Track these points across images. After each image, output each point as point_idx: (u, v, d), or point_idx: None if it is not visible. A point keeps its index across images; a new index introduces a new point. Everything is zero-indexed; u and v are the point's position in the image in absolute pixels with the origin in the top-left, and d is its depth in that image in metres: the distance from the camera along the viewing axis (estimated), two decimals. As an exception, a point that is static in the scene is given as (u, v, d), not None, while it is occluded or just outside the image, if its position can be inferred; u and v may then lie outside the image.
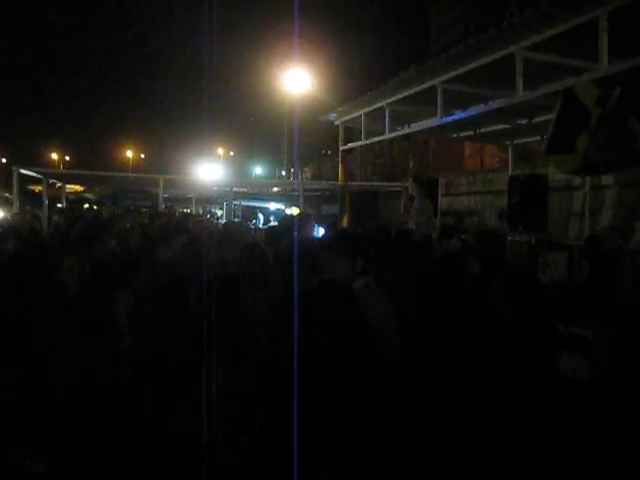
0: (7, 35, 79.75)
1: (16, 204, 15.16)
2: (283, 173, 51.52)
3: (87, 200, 35.29)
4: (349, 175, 28.07)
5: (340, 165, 14.15)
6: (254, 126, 62.39)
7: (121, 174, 23.61)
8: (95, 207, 31.53)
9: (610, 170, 9.15)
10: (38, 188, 20.83)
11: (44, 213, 15.63)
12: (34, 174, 17.78)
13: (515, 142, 14.08)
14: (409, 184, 14.43)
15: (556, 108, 7.38)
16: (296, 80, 23.07)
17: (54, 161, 71.15)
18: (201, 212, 32.39)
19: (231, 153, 73.13)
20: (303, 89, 23.69)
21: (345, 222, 13.14)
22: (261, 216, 26.02)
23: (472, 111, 9.36)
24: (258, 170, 66.85)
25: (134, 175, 25.29)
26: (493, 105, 8.91)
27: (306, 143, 34.48)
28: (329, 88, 25.82)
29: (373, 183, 23.94)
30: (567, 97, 7.21)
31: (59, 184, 21.87)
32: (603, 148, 6.69)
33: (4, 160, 56.86)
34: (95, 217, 11.71)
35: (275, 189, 26.22)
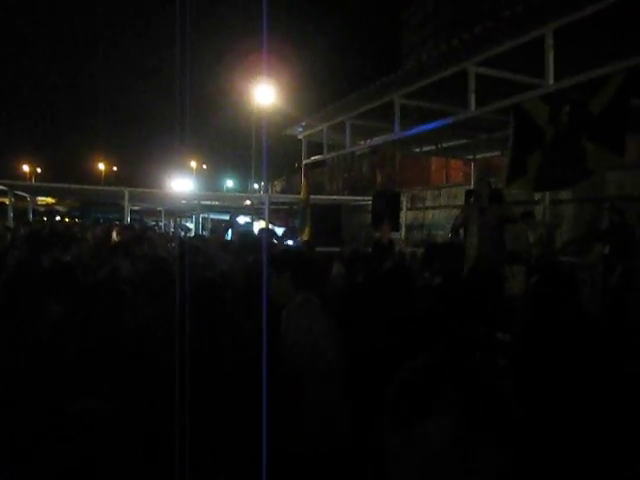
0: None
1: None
2: (255, 186, 51.57)
3: (57, 212, 34.99)
4: (320, 189, 28.26)
5: (303, 179, 14.17)
6: (226, 139, 62.42)
7: (86, 186, 23.44)
8: (67, 219, 31.38)
9: (562, 187, 9.30)
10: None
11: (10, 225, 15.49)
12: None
13: (477, 157, 14.26)
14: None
15: (510, 127, 7.51)
16: (264, 94, 23.17)
17: (25, 173, 70.37)
18: (172, 225, 32.36)
19: (204, 166, 73.02)
20: (271, 103, 23.78)
21: (305, 236, 13.16)
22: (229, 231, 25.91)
23: (428, 125, 9.46)
24: (230, 183, 66.86)
25: (99, 187, 25.17)
26: (448, 120, 9.00)
27: (276, 156, 34.53)
28: (298, 102, 25.92)
29: (335, 197, 23.96)
30: (518, 114, 7.34)
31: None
32: (556, 165, 6.81)
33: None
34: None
35: (247, 202, 26.22)
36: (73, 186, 21.43)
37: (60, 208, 36.27)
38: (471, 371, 1.28)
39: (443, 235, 16.04)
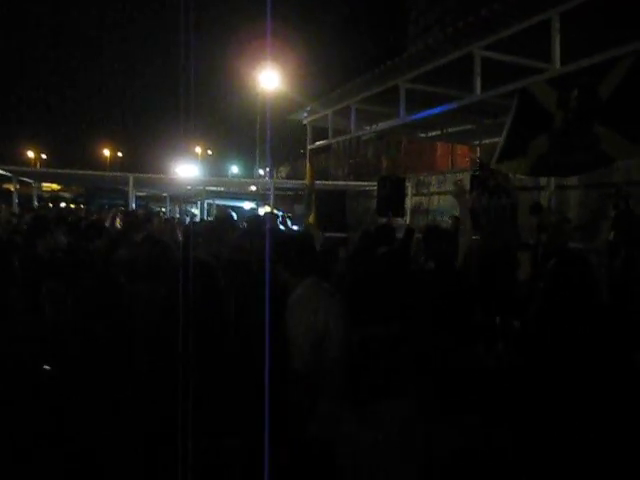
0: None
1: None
2: (261, 172, 51.41)
3: (63, 199, 35.01)
4: (325, 175, 28.20)
5: (308, 164, 14.12)
6: (231, 125, 62.30)
7: (90, 172, 23.38)
8: (72, 206, 31.37)
9: (576, 172, 9.22)
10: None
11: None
12: (2, 172, 17.62)
13: (483, 142, 14.19)
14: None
15: (512, 109, 7.45)
16: (269, 79, 23.04)
17: (30, 159, 70.31)
18: (177, 211, 32.33)
19: (209, 152, 72.84)
20: (277, 88, 23.66)
21: (311, 221, 13.13)
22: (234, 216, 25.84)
23: (433, 110, 9.39)
24: (235, 169, 66.70)
25: (104, 173, 25.14)
26: (453, 104, 8.93)
27: (281, 142, 34.44)
28: (304, 87, 25.80)
29: (340, 182, 23.92)
30: (524, 97, 7.27)
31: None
32: (566, 151, 6.75)
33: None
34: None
35: (252, 188, 26.17)
36: (78, 172, 21.44)
37: (65, 194, 36.32)
38: (436, 354, 1.21)
39: (446, 221, 15.99)
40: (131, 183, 17.68)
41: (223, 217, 7.77)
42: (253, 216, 11.04)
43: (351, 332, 3.76)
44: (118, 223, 9.98)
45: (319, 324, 3.62)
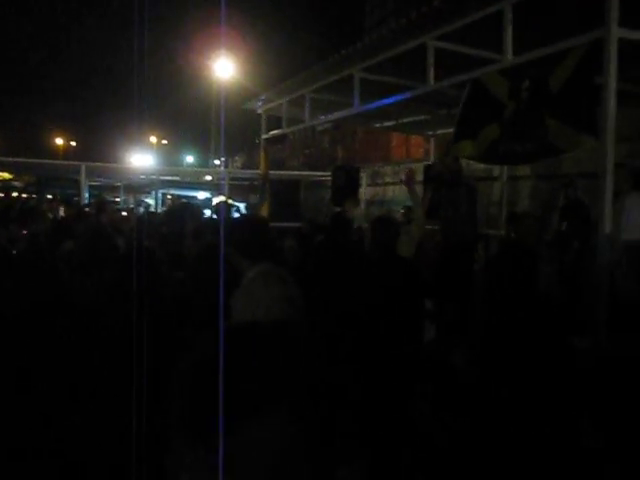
0: None
1: None
2: (217, 162, 51.08)
3: (15, 188, 34.24)
4: (281, 165, 28.12)
5: (262, 154, 14.05)
6: (187, 114, 61.63)
7: (41, 160, 22.87)
8: (24, 195, 30.68)
9: (523, 161, 9.33)
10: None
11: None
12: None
13: (437, 133, 14.27)
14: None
15: (463, 97, 7.51)
16: (223, 68, 22.86)
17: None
18: (132, 201, 31.92)
19: (164, 141, 72.17)
20: (231, 77, 23.49)
21: (264, 211, 13.07)
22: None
23: (387, 100, 9.40)
24: (190, 159, 66.20)
25: (56, 162, 24.64)
26: (406, 94, 8.96)
27: (236, 132, 34.22)
28: (258, 76, 25.64)
29: (295, 172, 23.84)
30: (476, 87, 7.33)
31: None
32: (517, 140, 6.81)
33: None
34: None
35: (207, 178, 25.96)
36: (28, 160, 20.95)
37: (17, 184, 35.53)
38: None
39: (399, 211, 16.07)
40: (83, 172, 17.34)
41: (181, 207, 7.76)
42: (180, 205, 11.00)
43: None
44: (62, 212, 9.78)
45: (262, 309, 3.56)
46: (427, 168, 10.26)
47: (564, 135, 6.09)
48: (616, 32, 5.33)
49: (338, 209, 11.08)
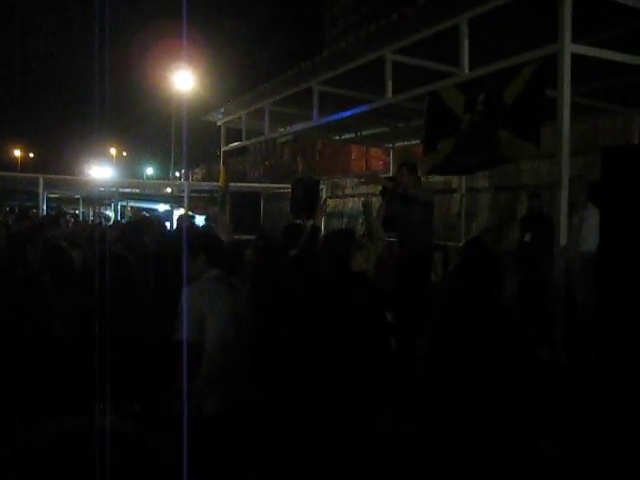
0: None
1: None
2: (177, 174, 50.78)
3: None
4: (241, 177, 28.03)
5: (222, 166, 14.00)
6: (147, 126, 61.34)
7: (-2, 173, 22.52)
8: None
9: (472, 171, 9.50)
10: None
11: None
12: None
13: (396, 145, 14.37)
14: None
15: (424, 112, 7.57)
16: (183, 80, 22.77)
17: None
18: (91, 214, 31.56)
19: (124, 153, 71.71)
20: (191, 89, 23.39)
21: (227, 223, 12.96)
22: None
23: (346, 112, 9.44)
24: (150, 171, 65.78)
25: (13, 174, 24.27)
26: (365, 107, 9.00)
27: (197, 144, 34.11)
28: (218, 88, 25.59)
29: (255, 184, 23.84)
30: (433, 101, 7.39)
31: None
32: (468, 152, 6.90)
33: None
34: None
35: (168, 190, 25.77)
36: (-18, 173, 20.58)
37: (-26, 196, 34.89)
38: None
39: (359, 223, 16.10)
40: (41, 184, 17.05)
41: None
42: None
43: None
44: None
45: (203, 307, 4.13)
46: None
47: (513, 145, 6.21)
48: (569, 47, 5.44)
49: (298, 221, 11.08)
